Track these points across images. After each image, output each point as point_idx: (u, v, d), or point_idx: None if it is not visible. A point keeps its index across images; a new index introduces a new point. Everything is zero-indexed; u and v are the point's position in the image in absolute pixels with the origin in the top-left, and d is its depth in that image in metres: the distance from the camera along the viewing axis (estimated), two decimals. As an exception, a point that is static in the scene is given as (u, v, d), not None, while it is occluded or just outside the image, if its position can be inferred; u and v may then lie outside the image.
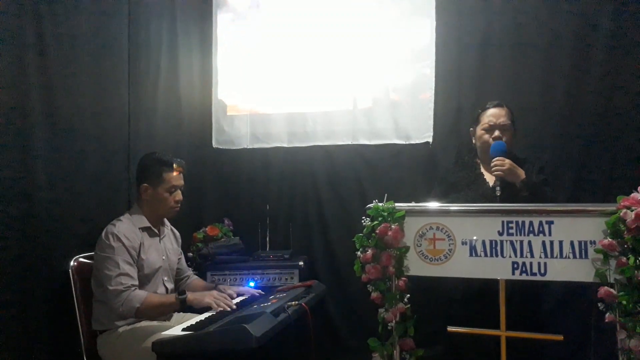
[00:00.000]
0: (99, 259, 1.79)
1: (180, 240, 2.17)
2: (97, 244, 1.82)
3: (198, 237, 2.57)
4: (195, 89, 2.92)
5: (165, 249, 2.01)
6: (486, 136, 1.94)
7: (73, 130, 2.02)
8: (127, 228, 1.85)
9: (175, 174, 1.92)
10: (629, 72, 2.33)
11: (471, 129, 2.06)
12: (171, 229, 2.13)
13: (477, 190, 1.90)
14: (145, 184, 1.91)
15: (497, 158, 1.82)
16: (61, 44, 1.97)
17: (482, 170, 1.99)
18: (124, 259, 1.77)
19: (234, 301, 1.88)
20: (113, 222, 1.87)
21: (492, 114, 1.95)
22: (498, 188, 1.79)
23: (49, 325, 1.85)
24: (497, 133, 1.91)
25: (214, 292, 1.84)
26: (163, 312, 1.86)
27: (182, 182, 1.96)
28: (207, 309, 1.81)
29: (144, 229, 1.91)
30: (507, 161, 1.81)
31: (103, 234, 1.82)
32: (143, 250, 1.87)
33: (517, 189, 1.80)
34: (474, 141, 2.04)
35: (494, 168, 1.81)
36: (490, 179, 1.92)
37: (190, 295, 1.77)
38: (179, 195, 1.95)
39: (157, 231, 1.98)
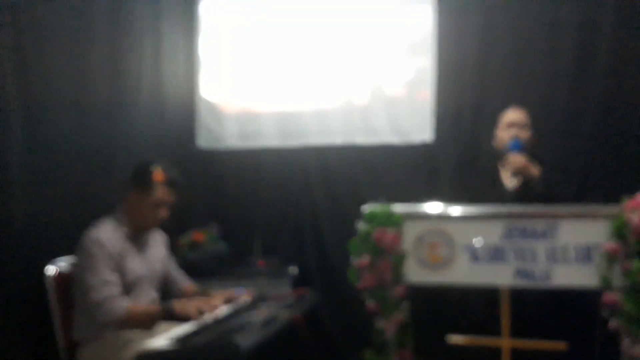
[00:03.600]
0: (80, 266, 1.74)
1: (167, 245, 2.11)
2: (78, 250, 1.77)
3: (182, 243, 2.49)
4: (180, 83, 2.84)
5: (149, 255, 1.96)
6: (505, 136, 2.03)
7: (51, 130, 1.96)
8: (108, 234, 1.79)
9: (166, 189, 1.84)
10: (633, 67, 2.32)
11: (494, 133, 2.14)
12: (157, 234, 2.06)
13: (497, 199, 1.91)
14: (133, 189, 1.86)
15: (512, 154, 1.92)
16: (40, 42, 1.91)
17: (502, 177, 2.04)
18: (105, 267, 1.72)
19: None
20: (95, 225, 1.81)
21: (511, 115, 2.07)
22: (512, 180, 1.89)
23: (25, 335, 1.79)
24: (514, 131, 2.00)
25: (199, 304, 1.78)
26: (147, 322, 1.79)
27: (173, 198, 1.89)
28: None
29: (126, 235, 1.86)
30: (522, 157, 1.89)
31: (84, 238, 1.76)
32: (125, 257, 1.81)
33: (532, 184, 1.89)
34: (495, 145, 2.11)
35: (509, 163, 1.91)
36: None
37: (177, 305, 1.74)
38: (164, 212, 1.88)
39: (140, 237, 1.92)
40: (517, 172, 1.88)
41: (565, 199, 1.87)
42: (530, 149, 1.99)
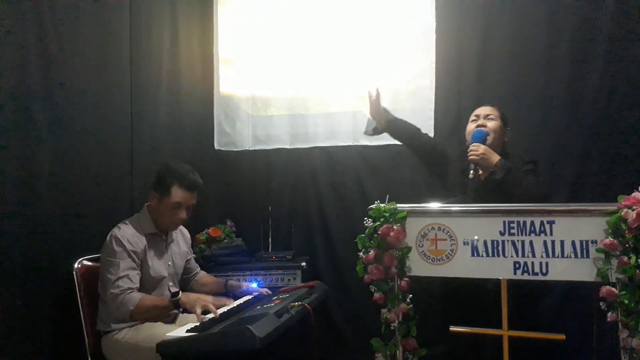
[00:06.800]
0: (103, 262, 1.81)
1: (190, 241, 2.17)
2: (103, 247, 1.83)
3: (201, 239, 2.58)
4: (198, 92, 2.92)
5: (172, 254, 2.00)
6: (472, 127, 2.01)
7: (76, 135, 2.03)
8: (131, 232, 1.84)
9: (183, 192, 1.86)
10: (629, 69, 2.33)
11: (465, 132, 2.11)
12: (180, 231, 2.10)
13: (463, 190, 1.93)
14: (154, 192, 1.90)
15: (473, 144, 1.88)
16: (62, 45, 1.97)
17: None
18: (125, 263, 1.77)
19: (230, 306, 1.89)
20: (119, 225, 1.87)
21: (479, 110, 2.06)
22: (472, 171, 1.84)
23: (54, 327, 1.86)
24: (480, 121, 2.00)
25: (209, 298, 1.78)
26: (157, 315, 1.82)
27: (192, 201, 1.90)
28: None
29: (149, 234, 1.90)
30: (482, 147, 1.86)
31: (108, 237, 1.82)
32: (148, 256, 1.86)
33: (492, 171, 1.86)
34: (467, 142, 2.07)
35: (469, 153, 1.87)
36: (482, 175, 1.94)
37: (183, 297, 1.76)
38: (182, 214, 1.89)
39: (164, 237, 1.97)
40: (475, 162, 1.83)
41: (546, 194, 1.83)
42: (498, 139, 1.95)
